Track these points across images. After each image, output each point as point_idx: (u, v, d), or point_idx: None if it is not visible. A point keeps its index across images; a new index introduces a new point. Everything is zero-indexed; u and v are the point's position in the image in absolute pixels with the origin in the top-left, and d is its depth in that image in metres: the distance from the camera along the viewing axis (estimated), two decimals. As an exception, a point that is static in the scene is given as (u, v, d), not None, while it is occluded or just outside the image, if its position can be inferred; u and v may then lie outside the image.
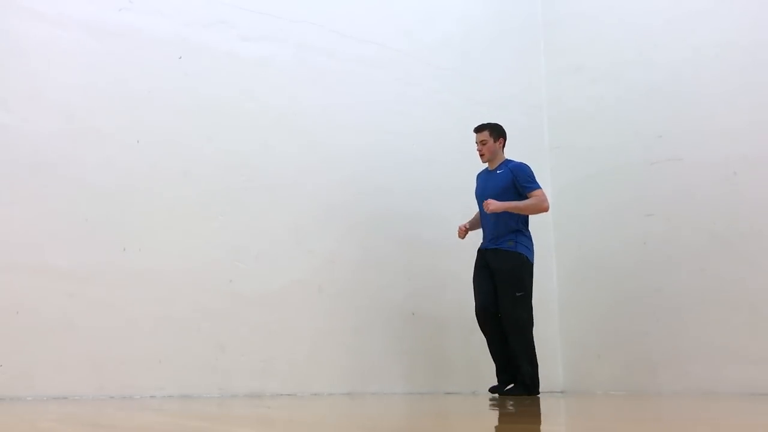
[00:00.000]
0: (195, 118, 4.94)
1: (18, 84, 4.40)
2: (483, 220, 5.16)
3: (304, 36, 5.48)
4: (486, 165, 5.26)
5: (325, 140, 5.44)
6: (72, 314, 4.33)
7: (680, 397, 5.10)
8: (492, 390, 5.09)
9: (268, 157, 5.18)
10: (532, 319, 5.02)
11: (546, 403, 4.42)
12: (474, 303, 5.12)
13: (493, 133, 5.16)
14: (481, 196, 5.15)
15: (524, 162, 5.14)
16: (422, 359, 5.63)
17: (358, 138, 5.61)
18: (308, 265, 5.22)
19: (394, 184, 5.74)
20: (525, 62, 6.78)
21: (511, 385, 5.02)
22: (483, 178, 5.26)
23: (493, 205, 4.91)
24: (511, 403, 4.21)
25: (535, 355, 5.01)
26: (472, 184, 5.39)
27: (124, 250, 4.55)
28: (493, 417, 3.32)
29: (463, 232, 5.19)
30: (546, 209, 5.08)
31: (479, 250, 5.19)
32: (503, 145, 5.21)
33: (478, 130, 5.20)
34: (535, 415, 3.46)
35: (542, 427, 2.90)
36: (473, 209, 5.38)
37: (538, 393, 5.01)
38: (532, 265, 5.08)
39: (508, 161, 5.16)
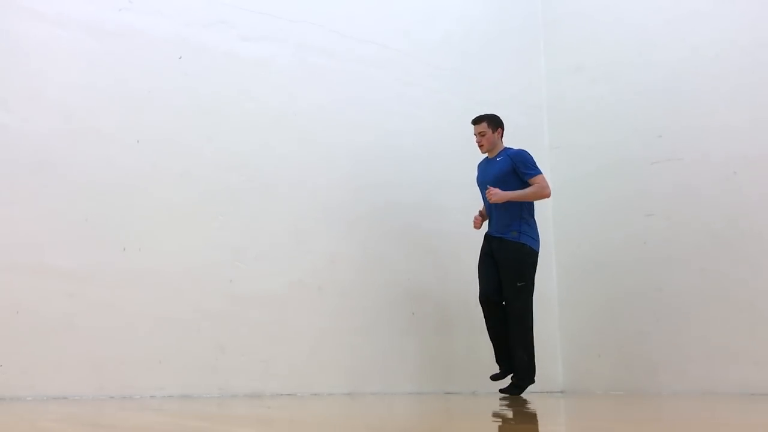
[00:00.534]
0: (195, 118, 4.94)
1: (18, 84, 4.40)
2: (488, 207, 5.19)
3: (304, 36, 5.48)
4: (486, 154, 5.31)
5: (324, 140, 5.44)
6: (72, 314, 4.33)
7: (680, 397, 5.10)
8: (493, 378, 5.13)
9: (268, 157, 5.18)
10: (531, 308, 5.06)
11: (546, 403, 4.42)
12: (476, 289, 5.19)
13: (491, 124, 5.20)
14: (483, 183, 5.20)
15: (524, 149, 5.16)
16: (422, 359, 5.63)
17: (357, 138, 5.61)
18: (308, 265, 5.22)
19: (395, 183, 5.74)
20: (525, 62, 6.78)
21: (512, 373, 5.08)
22: (483, 166, 5.31)
23: (497, 195, 4.97)
24: (510, 403, 4.21)
25: (532, 344, 5.05)
26: (473, 184, 5.39)
27: (124, 250, 4.55)
28: (492, 417, 3.32)
29: (479, 222, 5.23)
30: (548, 195, 5.13)
31: (485, 236, 5.22)
32: (501, 135, 5.25)
33: (476, 122, 5.25)
34: (535, 415, 3.46)
35: (542, 427, 2.90)
36: (473, 208, 5.37)
37: (533, 381, 5.04)
38: (537, 253, 5.12)
39: (507, 149, 5.20)
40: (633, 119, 6.13)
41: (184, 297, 4.70)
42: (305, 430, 2.62)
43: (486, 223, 5.27)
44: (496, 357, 5.15)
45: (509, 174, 5.07)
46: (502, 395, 5.02)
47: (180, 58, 4.93)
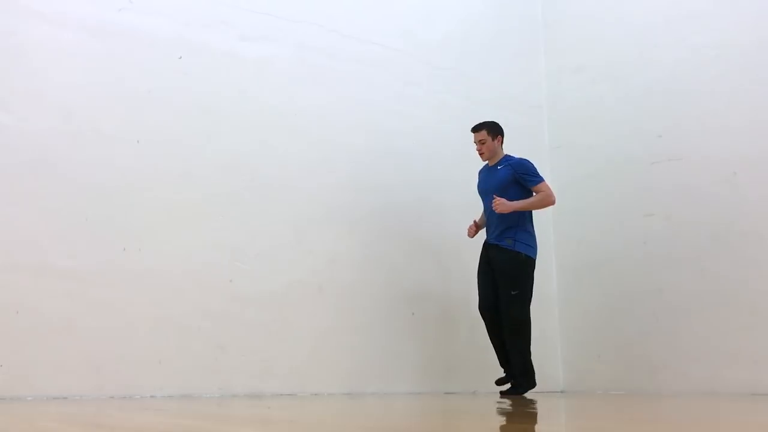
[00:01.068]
0: (195, 118, 4.94)
1: (18, 84, 4.40)
2: (486, 214, 5.19)
3: (304, 36, 5.48)
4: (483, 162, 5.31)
5: (324, 140, 5.44)
6: (72, 314, 4.33)
7: (680, 397, 5.10)
8: (498, 382, 5.14)
9: (268, 157, 5.18)
10: (529, 317, 5.05)
11: (546, 403, 4.42)
12: (475, 293, 5.21)
13: (490, 131, 5.19)
14: (484, 191, 5.20)
15: (524, 157, 5.16)
16: (422, 359, 5.63)
17: (357, 138, 5.61)
18: (308, 265, 5.22)
19: (394, 183, 5.74)
20: (525, 62, 6.78)
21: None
22: (484, 173, 5.29)
23: (502, 206, 4.95)
24: (511, 402, 4.21)
25: (529, 351, 5.04)
26: (473, 184, 5.40)
27: (124, 250, 4.55)
28: (493, 417, 3.32)
29: (473, 231, 5.22)
30: (553, 202, 5.15)
31: (484, 243, 5.23)
32: (501, 142, 5.25)
33: (476, 129, 5.24)
34: (535, 415, 3.46)
35: (542, 427, 2.90)
36: (473, 208, 5.38)
37: (533, 386, 5.05)
38: (534, 261, 5.10)
39: (508, 157, 5.19)
40: (633, 119, 6.13)
41: (184, 297, 4.70)
42: (305, 430, 2.62)
43: (484, 230, 5.27)
44: (500, 362, 5.16)
45: (511, 184, 5.06)
46: (503, 396, 5.02)
47: (180, 58, 4.93)
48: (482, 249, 5.22)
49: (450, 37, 6.31)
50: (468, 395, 5.35)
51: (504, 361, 5.14)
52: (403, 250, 5.70)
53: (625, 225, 6.07)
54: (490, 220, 5.15)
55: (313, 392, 5.03)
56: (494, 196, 5.01)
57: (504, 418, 3.21)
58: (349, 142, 5.56)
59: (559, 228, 6.51)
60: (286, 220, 5.19)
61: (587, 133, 6.44)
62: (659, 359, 5.73)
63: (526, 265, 5.05)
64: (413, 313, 5.65)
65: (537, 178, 5.05)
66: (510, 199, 5.00)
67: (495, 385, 5.17)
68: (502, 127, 5.29)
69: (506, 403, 4.15)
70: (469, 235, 5.26)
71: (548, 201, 5.09)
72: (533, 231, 5.15)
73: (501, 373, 5.18)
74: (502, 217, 5.02)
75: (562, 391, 6.24)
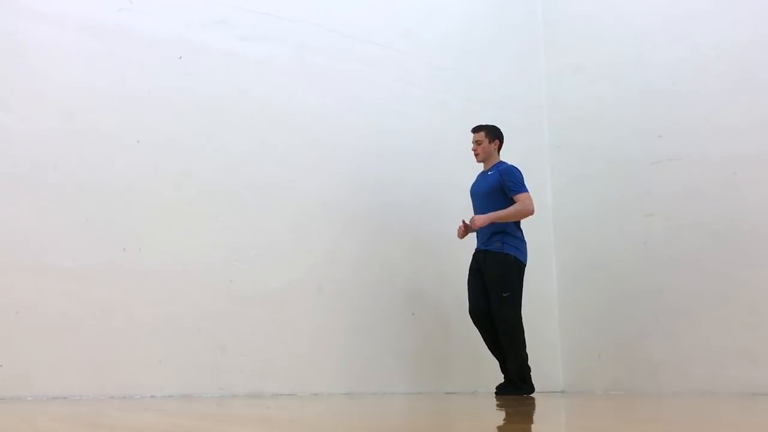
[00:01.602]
0: (195, 118, 4.94)
1: (18, 84, 4.40)
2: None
3: (304, 36, 5.48)
4: (482, 165, 5.32)
5: (324, 140, 5.44)
6: (72, 314, 4.33)
7: (680, 397, 5.10)
8: (498, 388, 5.12)
9: (268, 157, 5.18)
10: (520, 319, 5.05)
11: (546, 403, 4.42)
12: (468, 304, 5.20)
13: (489, 134, 5.23)
14: (474, 195, 5.26)
15: (515, 165, 5.16)
16: (422, 359, 5.63)
17: (357, 137, 5.61)
18: (308, 265, 5.22)
19: (394, 183, 5.75)
20: (525, 62, 6.78)
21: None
22: (478, 179, 5.33)
23: (479, 220, 5.03)
24: (510, 403, 4.21)
25: (524, 353, 5.03)
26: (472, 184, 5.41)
27: (124, 250, 4.55)
28: (492, 417, 3.32)
29: (462, 232, 5.22)
30: (531, 213, 5.10)
31: (474, 253, 5.24)
32: (499, 147, 5.27)
33: (476, 130, 5.28)
34: (535, 415, 3.46)
35: (542, 427, 2.90)
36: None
37: (532, 390, 5.05)
38: (523, 264, 5.11)
39: (500, 163, 5.20)
40: (633, 119, 6.13)
41: (184, 297, 4.70)
42: (305, 430, 2.62)
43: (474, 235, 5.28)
44: (500, 367, 5.15)
45: (498, 190, 5.08)
46: (498, 394, 5.03)
47: (180, 58, 4.93)
48: (472, 257, 5.24)
49: (450, 37, 6.31)
50: (468, 395, 5.35)
51: (504, 367, 5.12)
52: (403, 250, 5.70)
53: (625, 225, 6.07)
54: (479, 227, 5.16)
55: (313, 392, 5.03)
56: (475, 207, 5.09)
57: (504, 418, 3.21)
58: (349, 142, 5.56)
59: (559, 228, 6.51)
60: (286, 220, 5.19)
61: (587, 133, 6.44)
62: (659, 359, 5.73)
63: (515, 266, 5.06)
64: (413, 313, 5.65)
65: (518, 189, 5.04)
66: (496, 206, 5.04)
67: (495, 391, 5.13)
68: (503, 128, 5.31)
69: (506, 403, 4.15)
70: (458, 236, 5.26)
71: (525, 212, 5.06)
72: (522, 236, 5.15)
73: (501, 377, 5.17)
74: (489, 224, 5.05)
75: (562, 391, 6.24)
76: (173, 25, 4.95)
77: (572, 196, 6.41)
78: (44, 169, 4.39)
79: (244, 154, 5.09)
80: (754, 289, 5.29)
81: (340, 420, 3.14)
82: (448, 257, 5.78)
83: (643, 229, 5.94)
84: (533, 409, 3.85)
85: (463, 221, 5.27)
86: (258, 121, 5.18)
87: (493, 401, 4.45)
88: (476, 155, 5.25)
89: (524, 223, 5.20)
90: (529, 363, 5.05)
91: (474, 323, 5.15)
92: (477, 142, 5.22)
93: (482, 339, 5.15)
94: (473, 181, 5.36)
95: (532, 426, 2.89)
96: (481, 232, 5.16)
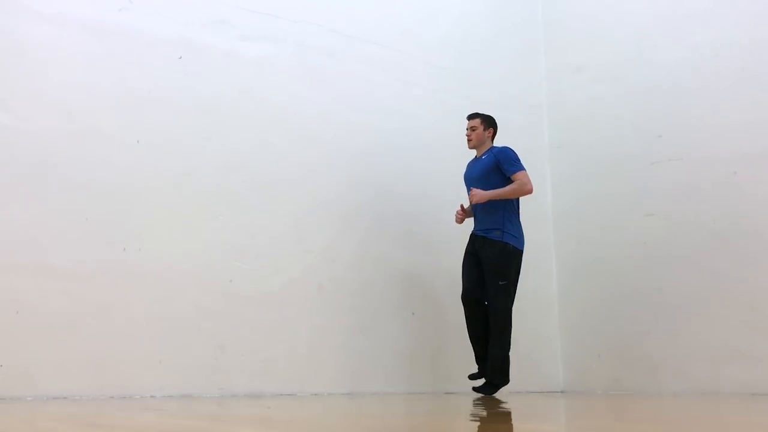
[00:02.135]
0: (195, 118, 4.94)
1: (18, 84, 4.40)
2: (472, 205, 5.20)
3: (304, 36, 5.48)
4: (474, 153, 5.32)
5: (324, 139, 5.45)
6: (72, 314, 4.33)
7: (680, 396, 5.10)
8: (471, 377, 5.11)
9: (268, 157, 5.19)
10: (511, 306, 5.05)
11: (545, 402, 4.42)
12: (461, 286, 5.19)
13: (484, 122, 5.25)
14: (468, 180, 5.25)
15: (508, 146, 5.16)
16: (422, 359, 5.63)
17: (357, 137, 5.61)
18: (308, 265, 5.22)
19: (394, 183, 5.75)
20: (525, 61, 6.79)
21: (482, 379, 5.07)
22: (470, 165, 5.34)
23: (477, 196, 5.00)
24: (509, 403, 4.21)
25: (509, 344, 5.01)
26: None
27: (124, 250, 4.55)
28: (492, 417, 3.32)
29: (461, 217, 5.24)
30: (530, 191, 5.08)
31: (471, 235, 5.24)
32: (492, 136, 5.28)
33: (471, 117, 5.30)
34: (535, 415, 3.46)
35: (542, 427, 2.90)
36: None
37: (507, 381, 5.02)
38: (521, 252, 5.11)
39: (493, 147, 5.22)
40: (633, 119, 6.13)
41: (184, 297, 4.70)
42: (305, 430, 2.62)
43: (472, 221, 5.28)
44: (475, 356, 5.15)
45: (493, 171, 5.08)
46: (476, 391, 5.02)
47: (180, 58, 4.93)
48: (468, 241, 5.23)
49: (450, 37, 6.31)
50: (468, 395, 5.35)
51: (480, 356, 5.11)
52: (402, 249, 5.70)
53: (625, 224, 6.07)
54: (476, 211, 5.17)
55: (313, 392, 5.03)
56: (471, 188, 5.05)
57: (503, 418, 3.21)
58: (349, 142, 5.56)
59: (559, 227, 6.51)
60: (286, 220, 5.19)
61: (587, 132, 6.44)
62: (659, 358, 5.73)
63: (514, 256, 5.06)
64: (413, 313, 5.65)
65: (515, 167, 5.04)
66: (491, 187, 5.03)
67: (468, 379, 5.13)
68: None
69: (505, 404, 4.15)
70: (456, 221, 5.27)
71: (524, 190, 5.05)
72: (519, 223, 5.15)
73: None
74: (488, 208, 5.05)
75: (562, 391, 6.24)
76: (173, 25, 4.95)
77: (572, 195, 6.41)
78: (44, 169, 4.39)
79: (244, 154, 5.09)
80: (755, 288, 5.29)
81: (340, 420, 3.14)
82: (449, 256, 5.77)
83: (643, 228, 5.94)
84: (533, 409, 3.85)
85: (462, 205, 5.27)
86: (258, 120, 5.18)
87: (493, 401, 4.45)
88: (469, 140, 5.25)
89: (523, 223, 5.20)
90: (515, 359, 5.06)
91: (464, 308, 5.14)
92: (471, 128, 5.24)
93: (466, 324, 5.13)
94: (465, 169, 5.36)
95: (533, 426, 2.89)
96: (479, 217, 5.14)
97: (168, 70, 4.88)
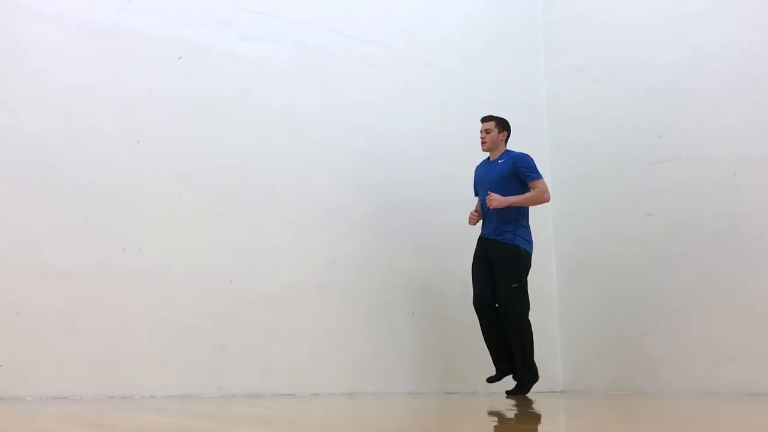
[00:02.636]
0: (195, 118, 4.94)
1: (18, 84, 4.40)
2: (483, 209, 5.20)
3: (304, 36, 5.48)
4: (486, 156, 5.33)
5: (324, 140, 5.44)
6: (72, 314, 4.32)
7: (680, 396, 5.11)
8: (490, 380, 5.14)
9: (268, 157, 5.18)
10: (528, 308, 5.07)
11: (546, 403, 4.42)
12: (472, 292, 5.19)
13: (498, 125, 5.26)
14: (482, 183, 5.23)
15: (525, 152, 5.18)
16: (422, 359, 5.63)
17: (357, 138, 5.61)
18: (308, 265, 5.22)
19: (394, 183, 5.75)
20: (525, 62, 6.79)
21: (510, 374, 5.11)
22: (483, 168, 5.32)
23: (497, 201, 4.99)
24: (511, 403, 4.21)
25: (532, 343, 5.05)
26: (473, 184, 5.41)
27: (124, 250, 4.55)
28: (492, 417, 3.32)
29: (475, 219, 5.24)
30: (548, 200, 5.17)
31: (479, 239, 5.23)
32: (506, 139, 5.29)
33: (486, 119, 5.30)
34: (535, 415, 3.46)
35: (542, 427, 2.90)
36: (473, 208, 5.38)
37: (537, 379, 5.07)
38: (530, 255, 5.13)
39: (509, 151, 5.23)
40: (633, 119, 6.13)
41: (184, 297, 4.70)
42: (305, 430, 2.62)
43: (479, 225, 5.28)
44: (492, 359, 5.16)
45: (510, 177, 5.10)
46: (509, 396, 5.02)
47: (180, 58, 4.93)
48: (477, 244, 5.23)
49: (450, 37, 6.31)
50: (468, 395, 5.35)
51: (497, 358, 5.13)
52: (402, 250, 5.70)
53: (624, 224, 6.07)
54: (487, 214, 5.16)
55: (313, 392, 5.03)
56: (488, 192, 5.05)
57: (503, 419, 3.21)
58: (349, 142, 5.56)
59: (559, 227, 6.51)
60: (286, 220, 5.19)
61: (587, 132, 6.44)
62: (659, 359, 5.73)
63: (525, 258, 5.09)
64: (413, 313, 5.65)
65: (535, 174, 5.09)
66: (508, 193, 5.03)
67: (486, 382, 5.16)
68: (510, 124, 5.33)
69: (506, 403, 4.15)
70: (470, 223, 5.26)
71: (543, 198, 5.11)
72: (529, 226, 5.17)
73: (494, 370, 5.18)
74: (501, 211, 5.05)
75: (562, 391, 6.24)
76: (173, 25, 4.94)
77: (572, 195, 6.41)
78: (44, 169, 4.38)
79: (244, 155, 5.09)
80: (754, 289, 5.29)
81: (340, 420, 3.14)
82: (449, 256, 5.78)
83: (643, 228, 5.94)
84: (533, 409, 3.85)
85: (476, 209, 5.27)
86: (258, 121, 5.18)
87: (493, 401, 4.45)
88: (483, 143, 5.26)
89: (524, 223, 5.21)
90: (533, 350, 5.07)
91: (477, 313, 5.14)
92: (486, 131, 5.25)
93: (481, 330, 5.15)
94: (476, 171, 5.37)
95: (532, 426, 2.89)
96: (489, 220, 5.14)
97: (168, 70, 4.88)
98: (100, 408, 3.56)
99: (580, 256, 6.37)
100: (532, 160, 5.15)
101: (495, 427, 2.83)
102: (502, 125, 5.26)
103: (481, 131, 5.27)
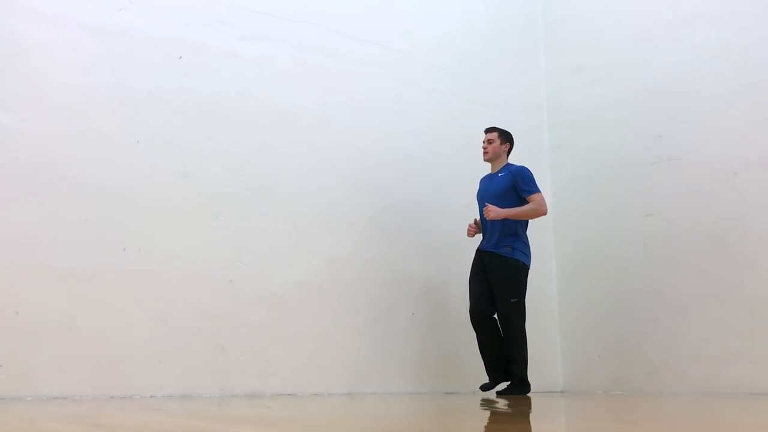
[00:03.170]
0: (195, 118, 4.94)
1: (18, 84, 4.40)
2: (483, 221, 5.22)
3: (304, 36, 5.48)
4: (489, 169, 5.35)
5: (324, 140, 5.45)
6: (72, 314, 4.33)
7: (680, 397, 5.10)
8: (483, 387, 5.15)
9: (268, 157, 5.19)
10: (524, 323, 5.11)
11: (545, 403, 4.42)
12: (468, 302, 5.22)
13: (501, 136, 5.30)
14: (483, 198, 5.25)
15: (525, 165, 5.20)
16: (422, 359, 5.63)
17: (357, 138, 5.61)
18: (308, 265, 5.22)
19: (394, 184, 5.75)
20: (525, 62, 6.79)
21: (504, 383, 5.14)
22: (486, 181, 5.36)
23: (494, 212, 5.03)
24: (510, 403, 4.21)
25: (526, 358, 5.10)
26: (473, 185, 5.42)
27: (124, 250, 4.55)
28: (492, 417, 3.32)
29: (474, 231, 5.26)
30: (544, 213, 5.21)
31: (478, 251, 5.25)
32: (509, 151, 5.32)
33: (489, 130, 5.34)
34: (534, 415, 3.46)
35: (542, 427, 2.90)
36: (473, 208, 5.39)
37: (529, 389, 5.10)
38: (528, 269, 5.17)
39: (509, 165, 5.25)
40: (633, 119, 6.13)
41: (184, 297, 4.70)
42: (305, 430, 2.62)
43: (478, 236, 5.30)
44: (486, 369, 5.19)
45: (510, 190, 5.14)
46: (500, 395, 5.05)
47: (180, 58, 4.93)
48: (476, 255, 5.26)
49: (450, 37, 6.31)
50: (468, 395, 5.35)
51: (491, 368, 5.16)
52: (402, 250, 5.70)
53: (624, 225, 6.07)
54: (486, 226, 5.18)
55: (313, 392, 5.03)
56: (486, 204, 5.08)
57: (503, 419, 3.21)
58: (349, 142, 5.56)
59: (558, 228, 6.51)
60: (286, 220, 5.19)
61: (587, 133, 6.44)
62: (659, 359, 5.73)
63: (523, 272, 5.13)
64: (413, 313, 5.65)
65: (532, 188, 5.12)
66: (507, 206, 5.06)
67: (480, 390, 5.17)
68: (513, 136, 5.37)
69: (506, 404, 4.15)
70: (468, 234, 5.29)
71: (540, 211, 5.15)
72: (527, 240, 5.20)
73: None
74: (500, 224, 5.08)
75: (562, 391, 6.24)
76: (173, 25, 4.95)
77: (572, 196, 6.41)
78: (44, 169, 4.39)
79: (244, 155, 5.09)
80: (754, 290, 5.29)
81: (340, 420, 3.14)
82: (448, 256, 5.78)
83: (643, 229, 5.94)
84: (533, 409, 3.85)
85: (475, 220, 5.29)
86: (258, 121, 5.18)
87: (493, 401, 4.45)
88: (485, 153, 5.29)
89: (524, 224, 5.21)
90: (528, 363, 5.11)
91: (472, 323, 5.17)
92: (489, 141, 5.28)
93: (477, 339, 5.18)
94: (477, 179, 5.39)
95: (532, 426, 2.89)
96: (489, 232, 5.17)
97: (168, 70, 4.88)
98: (100, 408, 3.56)
99: (579, 257, 6.37)
100: (531, 174, 5.17)
101: (495, 427, 2.83)
102: (505, 137, 5.29)
103: (483, 141, 5.30)
